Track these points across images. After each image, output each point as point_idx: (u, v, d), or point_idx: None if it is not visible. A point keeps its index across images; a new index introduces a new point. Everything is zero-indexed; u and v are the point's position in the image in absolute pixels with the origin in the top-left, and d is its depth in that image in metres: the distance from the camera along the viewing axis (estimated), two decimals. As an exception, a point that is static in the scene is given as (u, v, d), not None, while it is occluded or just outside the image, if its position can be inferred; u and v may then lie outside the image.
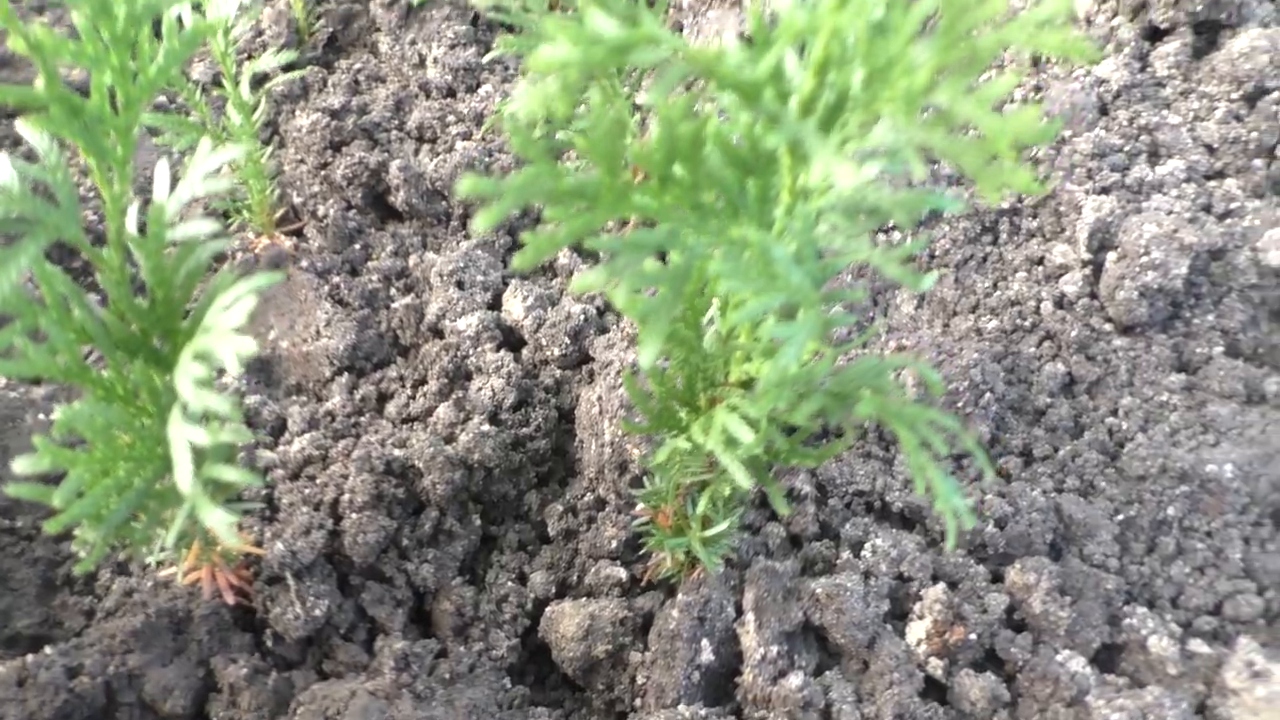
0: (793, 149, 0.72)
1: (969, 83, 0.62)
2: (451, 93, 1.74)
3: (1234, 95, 1.46)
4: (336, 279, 1.50)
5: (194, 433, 0.77)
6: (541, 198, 0.70)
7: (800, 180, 0.76)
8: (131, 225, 0.89)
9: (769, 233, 0.81)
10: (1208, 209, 1.41)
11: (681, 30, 1.73)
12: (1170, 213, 1.38)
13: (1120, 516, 1.17)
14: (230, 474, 0.84)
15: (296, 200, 1.62)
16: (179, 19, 0.93)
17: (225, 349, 0.75)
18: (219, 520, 0.78)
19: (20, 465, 0.77)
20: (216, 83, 1.76)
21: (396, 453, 1.26)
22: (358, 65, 1.80)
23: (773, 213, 0.80)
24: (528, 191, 0.69)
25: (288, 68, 1.81)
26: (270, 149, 1.56)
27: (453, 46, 1.75)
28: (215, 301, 0.83)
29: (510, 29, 1.74)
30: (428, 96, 1.73)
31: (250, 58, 1.73)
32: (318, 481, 1.23)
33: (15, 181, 0.84)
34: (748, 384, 0.95)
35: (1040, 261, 1.39)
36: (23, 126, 0.81)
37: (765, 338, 0.86)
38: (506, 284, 1.48)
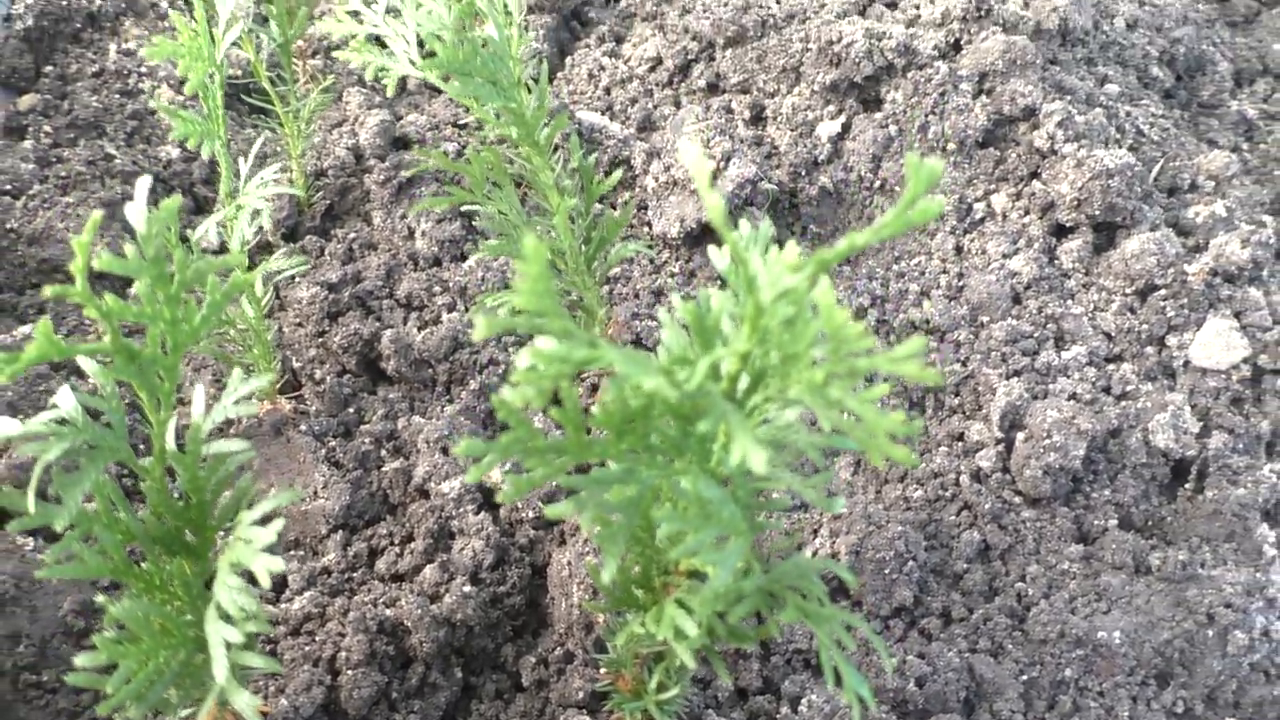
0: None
1: (853, 385, 0.80)
2: (438, 262, 1.92)
3: (1128, 290, 1.67)
4: (332, 442, 1.66)
5: (229, 632, 0.93)
6: (523, 454, 0.87)
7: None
8: (171, 441, 1.05)
9: (708, 464, 0.98)
10: (1107, 390, 1.61)
11: (645, 210, 1.93)
12: (1072, 396, 1.57)
13: (1025, 676, 1.34)
14: (257, 661, 0.99)
15: (295, 364, 1.79)
16: (221, 278, 1.10)
17: (258, 566, 0.91)
18: (247, 703, 0.93)
19: (82, 660, 0.92)
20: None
21: (387, 612, 1.41)
22: (352, 234, 1.99)
23: (711, 448, 0.97)
24: (512, 450, 0.87)
25: (288, 236, 2.00)
26: (270, 312, 1.73)
27: (439, 221, 1.94)
28: (245, 517, 0.99)
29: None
30: (416, 267, 1.91)
31: (259, 230, 1.90)
32: (317, 639, 1.38)
33: (79, 412, 1.00)
34: (695, 573, 1.12)
35: (960, 437, 1.58)
36: (87, 364, 0.98)
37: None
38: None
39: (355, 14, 1.47)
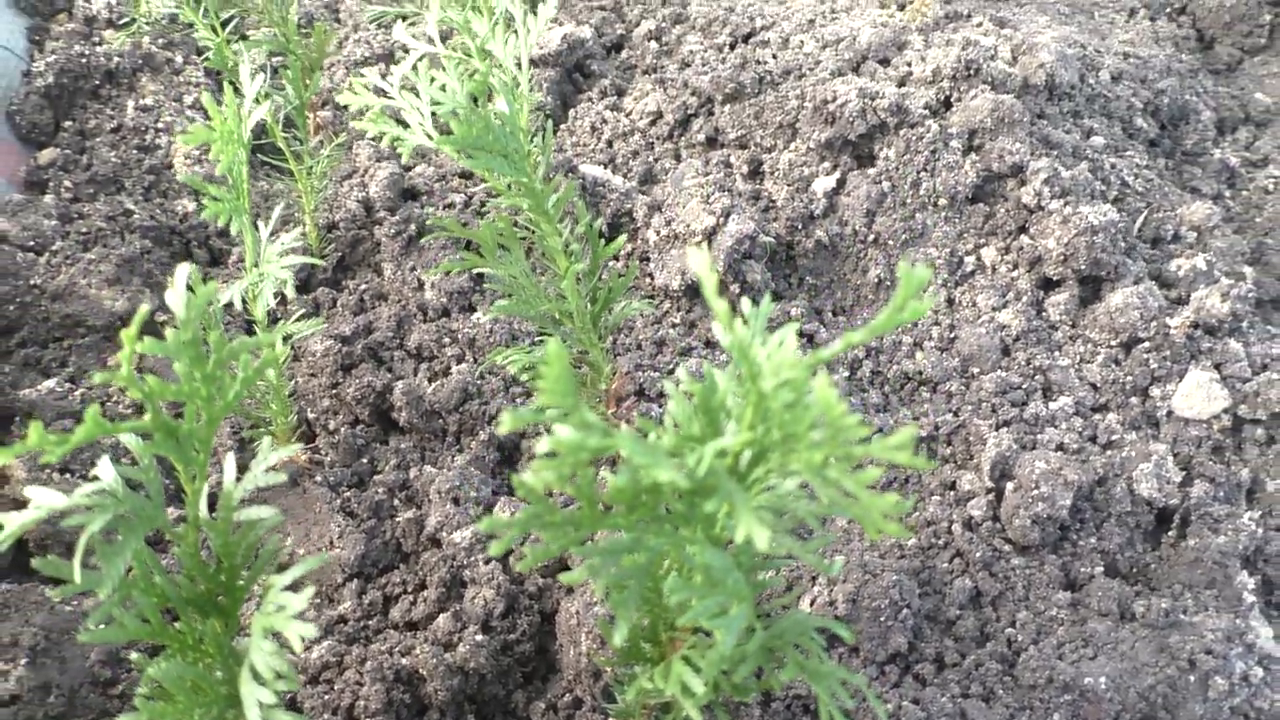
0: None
1: (850, 467, 0.86)
2: (447, 313, 1.99)
3: (1113, 343, 1.74)
4: (347, 492, 1.72)
5: (262, 693, 0.99)
6: (540, 528, 0.94)
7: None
8: (204, 508, 1.11)
9: (713, 532, 1.04)
10: (1093, 439, 1.67)
11: (648, 261, 1.99)
12: (1060, 446, 1.64)
13: (1015, 721, 1.40)
14: (286, 718, 1.05)
15: (310, 415, 1.85)
16: (251, 354, 1.16)
17: (291, 632, 0.97)
18: (277, 761, 0.99)
19: (124, 721, 0.98)
20: (245, 317, 2.00)
21: (403, 661, 1.46)
22: (363, 285, 2.06)
23: (716, 517, 1.03)
24: (531, 524, 0.93)
25: (301, 288, 2.06)
26: (286, 363, 1.79)
27: (447, 273, 2.00)
28: (276, 582, 1.05)
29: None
30: (425, 318, 1.98)
31: (280, 296, 1.96)
32: (335, 687, 1.44)
33: (119, 483, 1.06)
34: (700, 629, 1.18)
35: (952, 486, 1.64)
36: (128, 440, 1.04)
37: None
38: (497, 497, 1.71)
39: (378, 90, 1.54)
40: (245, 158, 1.30)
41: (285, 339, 1.55)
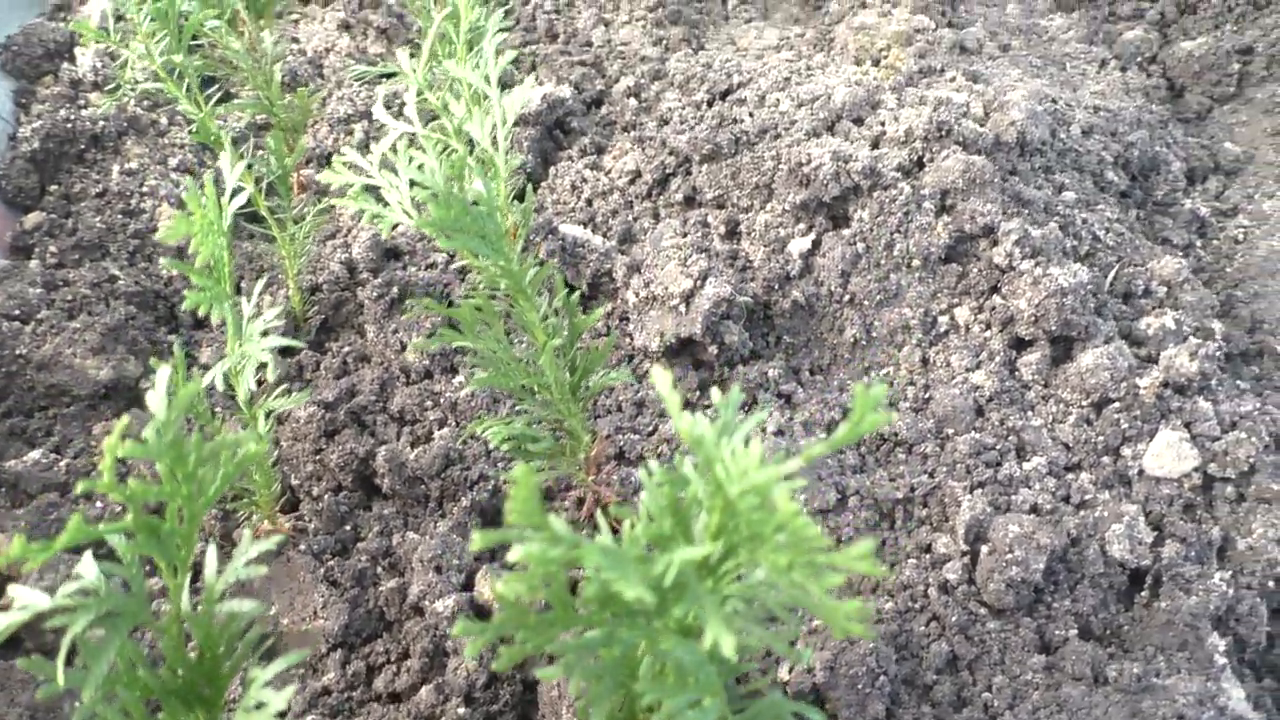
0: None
1: (815, 573, 0.89)
2: (429, 375, 2.01)
3: (1084, 403, 1.77)
4: (330, 561, 1.73)
5: (243, 790, 1.00)
6: (516, 630, 0.96)
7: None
8: (186, 602, 1.13)
9: (684, 623, 1.06)
10: (1066, 499, 1.70)
11: (627, 321, 2.02)
12: (1033, 507, 1.66)
13: (991, 788, 1.42)
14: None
15: (294, 481, 1.87)
16: (233, 450, 1.18)
17: (272, 731, 0.99)
18: None
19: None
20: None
21: (385, 736, 1.48)
22: (346, 347, 2.08)
23: (686, 612, 1.05)
24: (506, 628, 0.95)
25: (285, 352, 2.08)
26: (270, 428, 1.81)
27: (430, 335, 2.02)
28: (259, 677, 1.07)
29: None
30: (408, 381, 2.00)
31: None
32: (317, 764, 1.45)
33: (102, 581, 1.08)
34: (676, 711, 1.19)
35: (928, 549, 1.66)
36: (114, 540, 1.06)
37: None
38: (479, 564, 1.72)
39: (358, 168, 1.57)
40: (226, 244, 1.32)
41: (267, 414, 1.57)
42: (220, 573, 1.13)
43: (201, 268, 1.25)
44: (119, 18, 2.48)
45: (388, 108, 2.62)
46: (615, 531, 1.73)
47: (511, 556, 0.89)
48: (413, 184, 1.49)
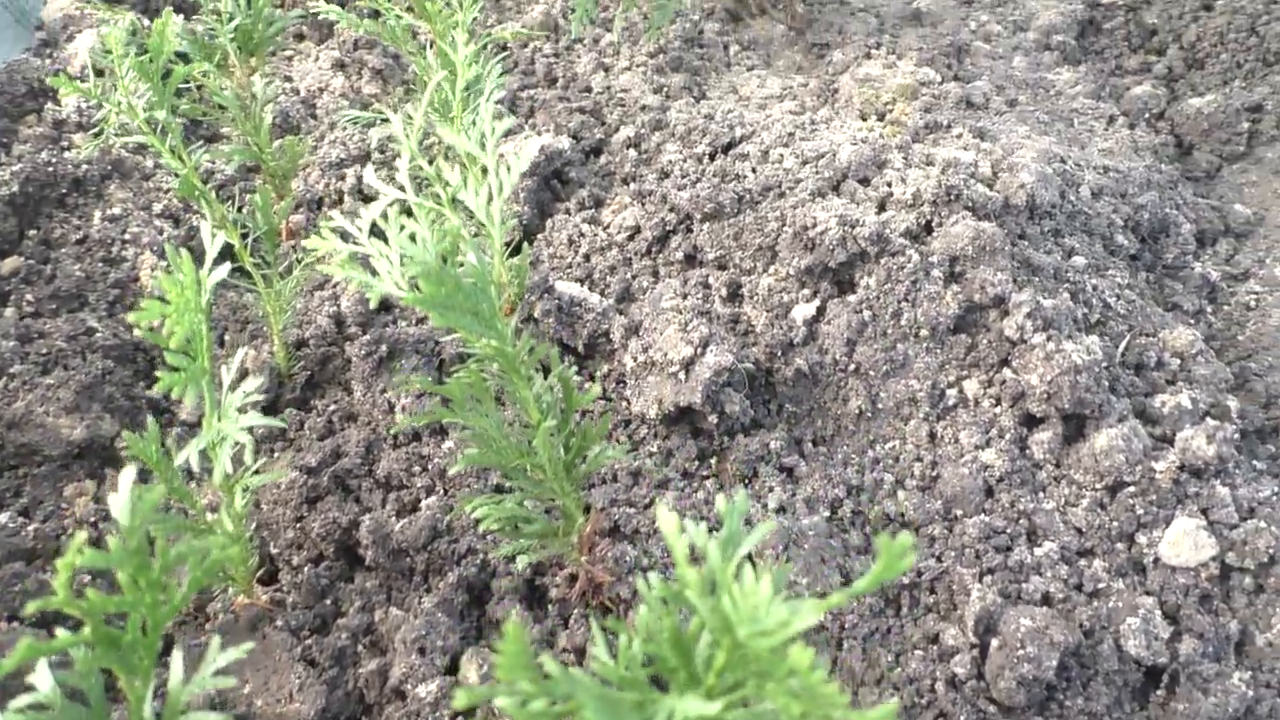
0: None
1: (829, 726, 0.82)
2: (418, 437, 1.94)
3: (1098, 485, 1.70)
4: (309, 639, 1.65)
5: None
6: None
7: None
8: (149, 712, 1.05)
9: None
10: (1079, 588, 1.63)
11: (624, 384, 1.95)
12: (1045, 597, 1.59)
13: None
14: None
15: (273, 549, 1.79)
16: (201, 555, 1.10)
17: None
18: None
19: None
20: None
21: (361, 838, 1.40)
22: (332, 406, 2.00)
23: None
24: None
25: (268, 409, 2.01)
26: (248, 501, 1.73)
27: (419, 396, 1.95)
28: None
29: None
30: (395, 444, 1.92)
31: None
32: None
33: (57, 694, 1.00)
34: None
35: (935, 640, 1.59)
36: (75, 658, 0.99)
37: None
38: (465, 646, 1.64)
39: (342, 233, 1.50)
40: (205, 319, 1.25)
41: (244, 489, 1.49)
42: (186, 682, 1.05)
43: (178, 348, 1.18)
44: (99, 72, 2.42)
45: (381, 152, 2.56)
46: (610, 623, 1.66)
47: (500, 704, 0.82)
48: (403, 255, 1.43)
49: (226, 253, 2.18)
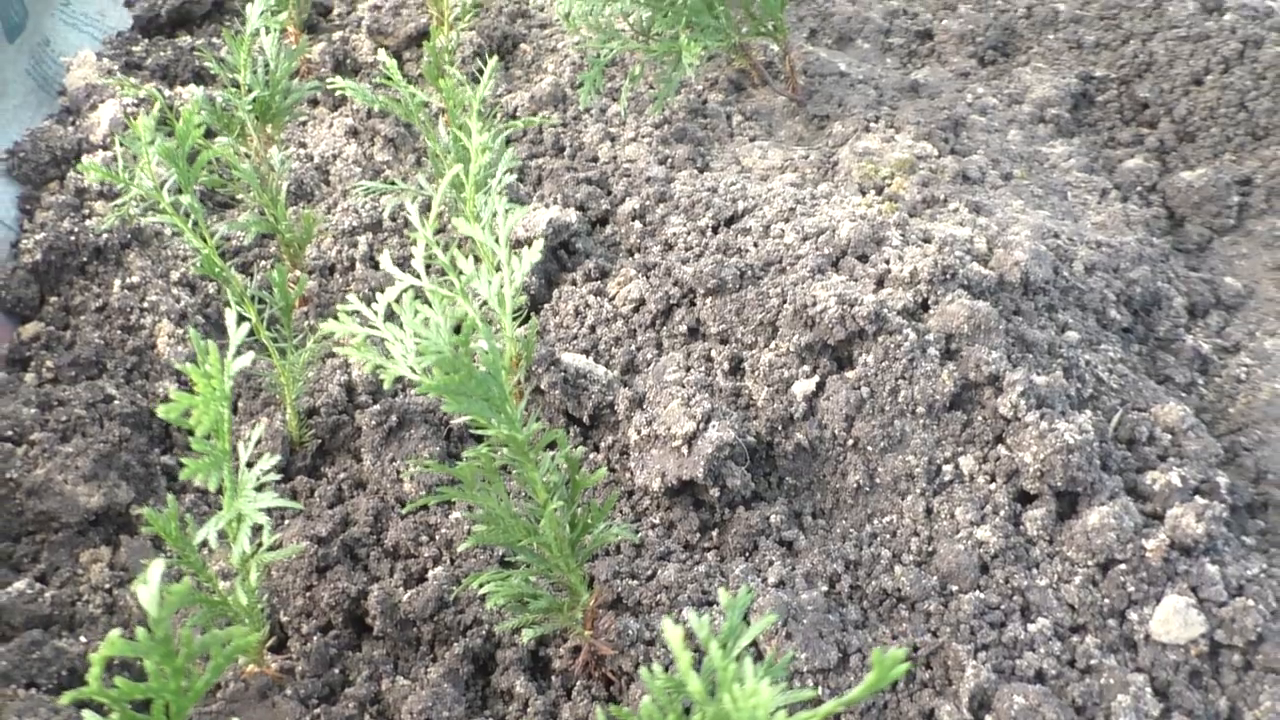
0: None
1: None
2: (425, 506, 1.98)
3: (1090, 563, 1.75)
4: (317, 708, 1.69)
5: None
6: None
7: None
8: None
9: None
10: (1072, 663, 1.67)
11: (627, 456, 2.00)
12: (1038, 673, 1.63)
13: None
14: None
15: (283, 617, 1.83)
16: (224, 643, 1.15)
17: None
18: None
19: None
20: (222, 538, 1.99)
21: None
22: (342, 474, 2.05)
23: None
24: None
25: (282, 475, 2.05)
26: (261, 575, 1.78)
27: (425, 506, 2.00)
28: None
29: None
30: (403, 514, 1.97)
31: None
32: None
33: (83, 779, 1.04)
34: None
35: (931, 716, 1.62)
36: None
37: None
38: (470, 717, 1.68)
39: (362, 318, 1.55)
40: (228, 411, 1.30)
41: (259, 564, 1.54)
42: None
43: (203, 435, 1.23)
44: (130, 159, 2.50)
45: (392, 220, 2.63)
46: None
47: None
48: (417, 340, 1.48)
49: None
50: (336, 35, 3.40)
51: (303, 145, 2.93)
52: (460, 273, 1.57)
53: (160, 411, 1.17)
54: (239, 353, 1.33)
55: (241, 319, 1.40)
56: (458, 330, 1.50)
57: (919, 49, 3.37)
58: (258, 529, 1.42)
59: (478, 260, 1.82)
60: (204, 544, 1.84)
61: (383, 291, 2.30)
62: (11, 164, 2.50)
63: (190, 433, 2.13)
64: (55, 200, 2.44)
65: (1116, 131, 3.01)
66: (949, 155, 2.70)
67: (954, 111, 2.87)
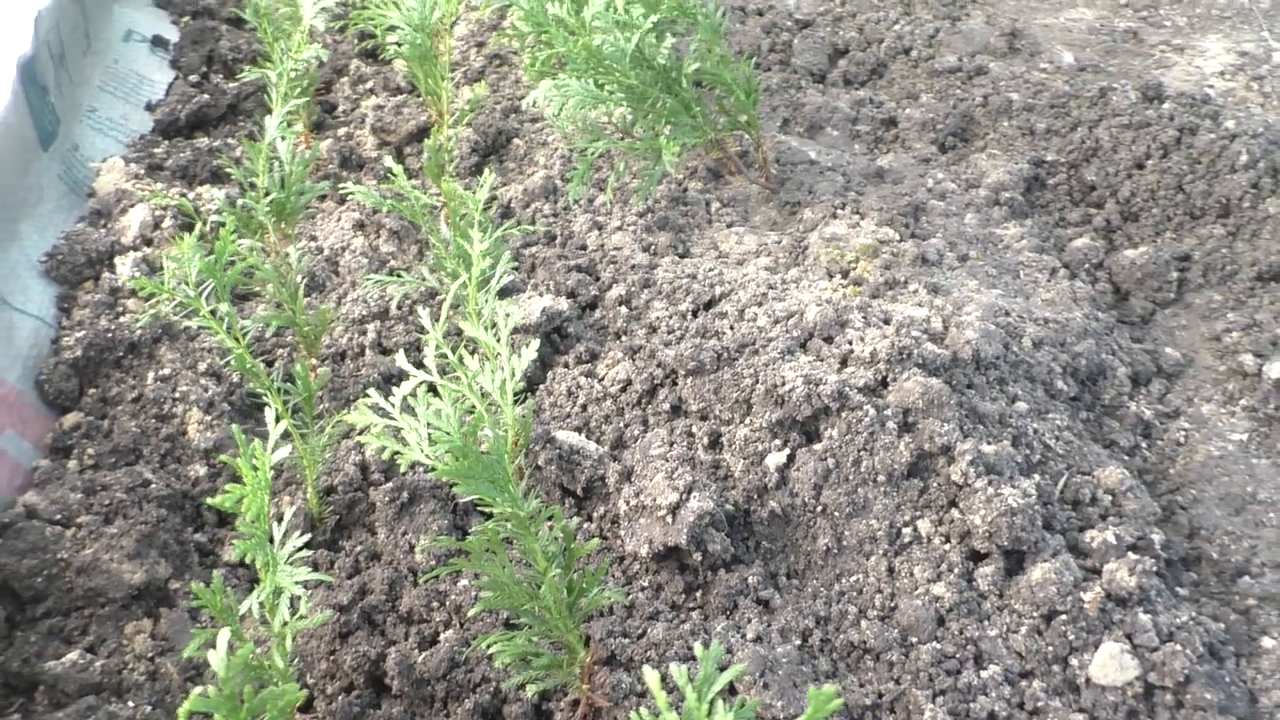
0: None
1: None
2: (435, 576, 2.18)
3: (1035, 614, 1.95)
4: (342, 766, 1.88)
5: None
6: None
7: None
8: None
9: None
10: (1021, 706, 1.86)
11: (618, 525, 2.20)
12: (990, 715, 1.83)
13: None
14: None
15: (309, 680, 2.02)
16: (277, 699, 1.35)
17: None
18: None
19: None
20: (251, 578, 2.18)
21: None
22: (359, 547, 2.25)
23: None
24: None
25: (305, 546, 2.25)
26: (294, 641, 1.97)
27: (436, 537, 2.20)
28: None
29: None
30: (416, 582, 2.17)
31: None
32: None
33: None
34: None
35: (894, 756, 1.82)
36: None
37: None
38: (480, 766, 1.87)
39: (378, 409, 1.77)
40: (268, 498, 1.51)
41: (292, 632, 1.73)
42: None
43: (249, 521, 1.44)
44: (148, 242, 2.73)
45: (399, 309, 2.85)
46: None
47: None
48: (430, 428, 1.69)
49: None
50: (342, 131, 3.65)
51: (313, 238, 3.16)
52: (466, 369, 1.79)
53: (212, 502, 1.37)
54: (276, 446, 1.54)
55: (278, 417, 1.61)
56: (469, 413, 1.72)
57: (884, 135, 3.63)
58: (294, 600, 1.62)
59: (483, 356, 2.03)
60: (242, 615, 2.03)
61: (393, 378, 2.53)
62: (50, 265, 2.72)
63: (221, 513, 2.34)
64: (91, 299, 2.66)
65: (1066, 212, 3.26)
66: (910, 239, 2.94)
67: (914, 197, 3.11)
